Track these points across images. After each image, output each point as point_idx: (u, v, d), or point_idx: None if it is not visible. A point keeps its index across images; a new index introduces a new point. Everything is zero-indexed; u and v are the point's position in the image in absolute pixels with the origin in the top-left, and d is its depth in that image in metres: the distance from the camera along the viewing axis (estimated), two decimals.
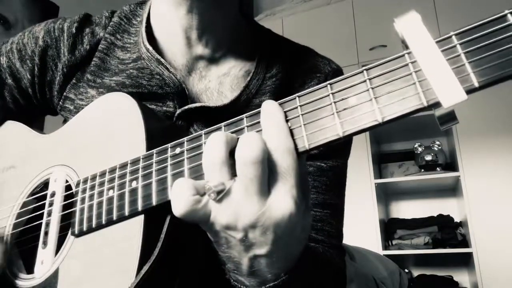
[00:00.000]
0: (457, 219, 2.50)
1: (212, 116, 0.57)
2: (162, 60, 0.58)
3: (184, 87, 0.57)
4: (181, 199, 0.34)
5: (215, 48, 0.61)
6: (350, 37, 2.78)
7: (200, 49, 0.61)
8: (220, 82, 0.61)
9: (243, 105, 0.59)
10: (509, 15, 0.28)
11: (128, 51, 0.61)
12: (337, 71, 0.65)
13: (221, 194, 0.34)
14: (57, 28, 0.63)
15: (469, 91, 0.29)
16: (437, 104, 0.30)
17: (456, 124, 0.31)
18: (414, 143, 2.59)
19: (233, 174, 0.34)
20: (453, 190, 2.61)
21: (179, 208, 0.34)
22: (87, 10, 0.68)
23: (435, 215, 2.51)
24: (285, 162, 0.33)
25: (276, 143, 0.33)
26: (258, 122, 0.37)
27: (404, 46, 0.33)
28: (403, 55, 0.33)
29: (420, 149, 2.55)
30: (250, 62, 0.62)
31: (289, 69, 0.63)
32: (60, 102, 0.63)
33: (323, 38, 2.82)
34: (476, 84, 0.28)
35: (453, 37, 0.30)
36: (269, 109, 0.35)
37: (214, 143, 0.34)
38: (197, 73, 0.61)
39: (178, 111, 0.57)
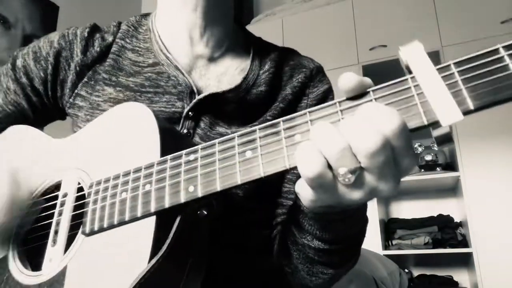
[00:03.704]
0: (457, 219, 2.50)
1: (218, 107, 0.64)
2: (179, 66, 0.65)
3: (194, 89, 0.63)
4: (311, 163, 0.35)
5: (214, 48, 0.68)
6: (350, 37, 2.78)
7: (201, 48, 0.67)
8: (218, 80, 0.67)
9: (244, 92, 0.66)
10: (501, 49, 0.33)
11: (140, 55, 0.68)
12: (319, 68, 0.74)
13: (354, 176, 0.35)
14: (71, 33, 0.69)
15: (465, 113, 0.33)
16: (436, 123, 0.33)
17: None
18: (414, 143, 2.59)
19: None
20: (453, 190, 2.61)
21: (309, 169, 0.35)
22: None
23: (435, 215, 2.51)
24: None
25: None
26: (270, 134, 0.40)
27: (407, 71, 0.36)
28: (406, 79, 0.36)
29: (420, 149, 2.55)
30: (244, 62, 0.70)
31: (278, 65, 0.71)
32: (71, 99, 0.68)
33: (323, 38, 2.82)
34: (472, 107, 0.32)
35: (452, 65, 0.34)
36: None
37: (330, 132, 0.35)
38: (197, 71, 0.67)
39: (188, 107, 0.62)
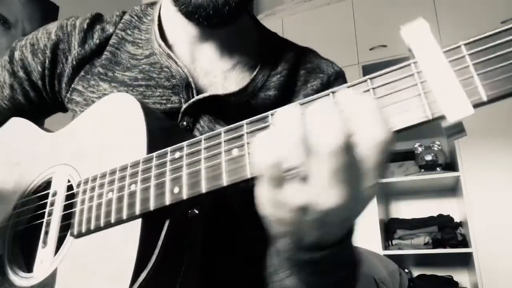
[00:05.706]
0: (457, 219, 2.50)
1: (219, 108, 0.58)
2: (171, 54, 0.59)
3: (190, 80, 0.58)
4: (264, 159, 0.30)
5: (221, 47, 0.62)
6: (350, 37, 2.78)
7: (205, 49, 0.62)
8: (225, 77, 0.61)
9: (249, 96, 0.59)
10: None
11: (140, 47, 0.63)
12: (339, 73, 0.65)
13: (301, 178, 0.30)
14: (70, 24, 0.65)
15: (476, 105, 0.28)
16: (442, 118, 0.29)
17: None
18: (414, 143, 2.59)
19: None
20: (453, 190, 2.61)
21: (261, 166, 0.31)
22: (87, 10, 0.69)
23: (435, 215, 2.51)
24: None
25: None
26: (258, 129, 0.36)
27: (410, 55, 0.31)
28: (408, 65, 0.31)
29: (420, 149, 2.55)
30: (255, 60, 0.62)
31: (293, 68, 0.63)
32: (68, 94, 0.64)
33: (323, 38, 2.81)
34: (485, 98, 0.27)
35: (462, 46, 0.29)
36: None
37: (290, 121, 0.30)
38: (202, 68, 0.61)
39: (185, 105, 0.57)
